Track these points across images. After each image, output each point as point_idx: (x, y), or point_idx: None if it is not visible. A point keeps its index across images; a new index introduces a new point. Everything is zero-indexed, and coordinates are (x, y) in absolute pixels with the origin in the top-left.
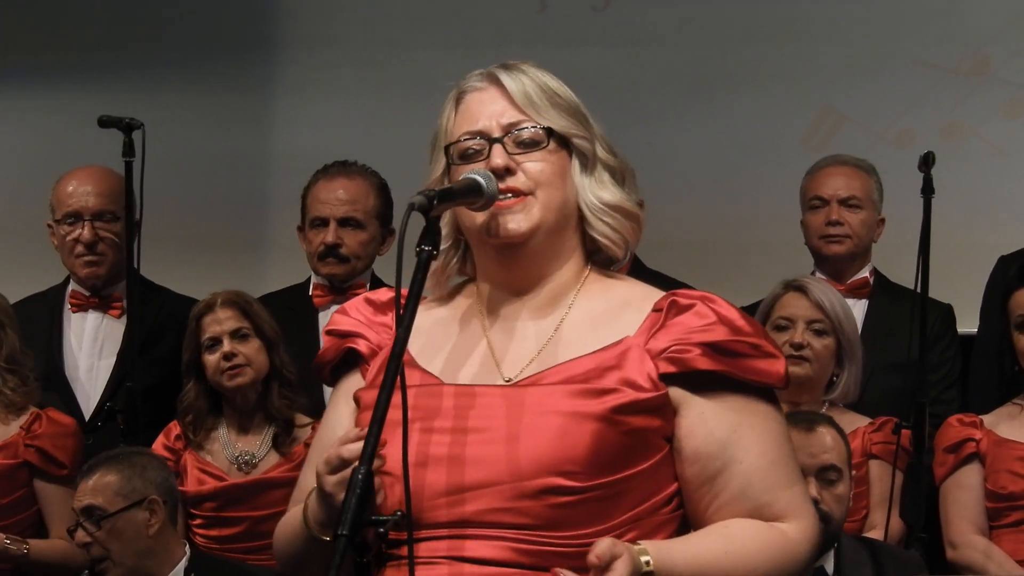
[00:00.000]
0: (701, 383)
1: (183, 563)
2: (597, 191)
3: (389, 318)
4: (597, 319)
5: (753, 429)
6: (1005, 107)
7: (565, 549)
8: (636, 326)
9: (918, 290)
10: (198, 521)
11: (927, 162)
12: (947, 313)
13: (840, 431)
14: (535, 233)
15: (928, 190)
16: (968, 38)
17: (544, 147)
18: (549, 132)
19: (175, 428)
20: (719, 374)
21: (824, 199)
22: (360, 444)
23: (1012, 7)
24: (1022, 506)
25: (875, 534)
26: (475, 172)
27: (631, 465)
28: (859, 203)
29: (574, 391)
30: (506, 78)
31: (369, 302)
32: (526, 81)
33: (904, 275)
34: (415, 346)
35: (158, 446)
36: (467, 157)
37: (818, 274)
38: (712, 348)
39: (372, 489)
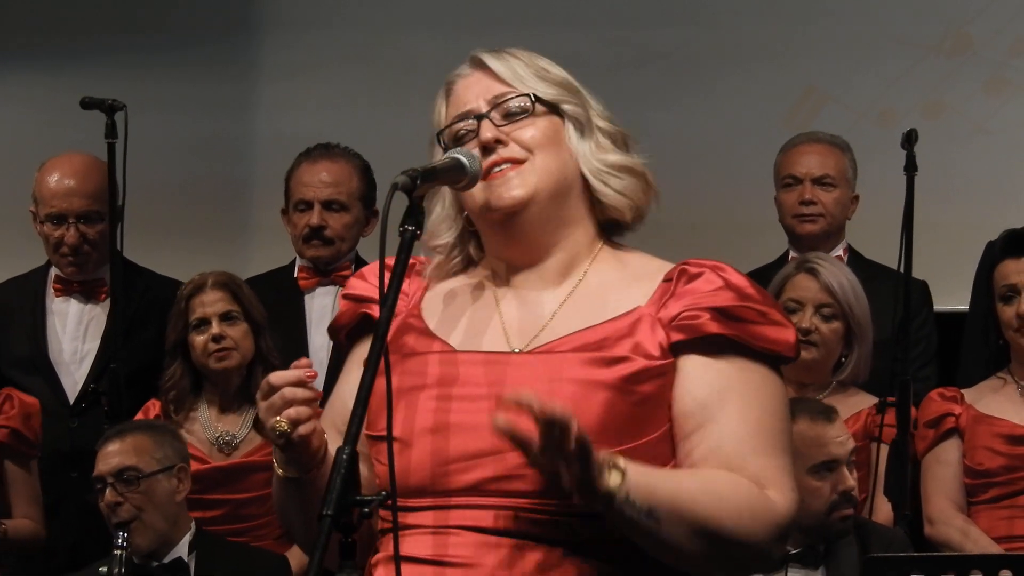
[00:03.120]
0: (704, 346)
1: (188, 537)
2: (600, 154)
3: (407, 284)
4: (609, 290)
5: (741, 395)
6: (987, 85)
7: (573, 518)
8: (647, 296)
9: (901, 268)
10: None
11: (910, 139)
12: (923, 290)
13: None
14: (533, 199)
15: (911, 167)
16: (950, 16)
17: (532, 113)
18: (536, 98)
19: (153, 408)
20: (727, 340)
21: (797, 178)
22: (291, 374)
23: None
24: (1000, 483)
25: (877, 516)
26: (457, 151)
27: (644, 433)
28: (833, 181)
29: (586, 359)
30: (490, 59)
31: (387, 267)
32: (511, 60)
33: (879, 252)
34: (431, 316)
35: None
36: (460, 140)
37: (792, 253)
38: (720, 313)
39: (356, 469)
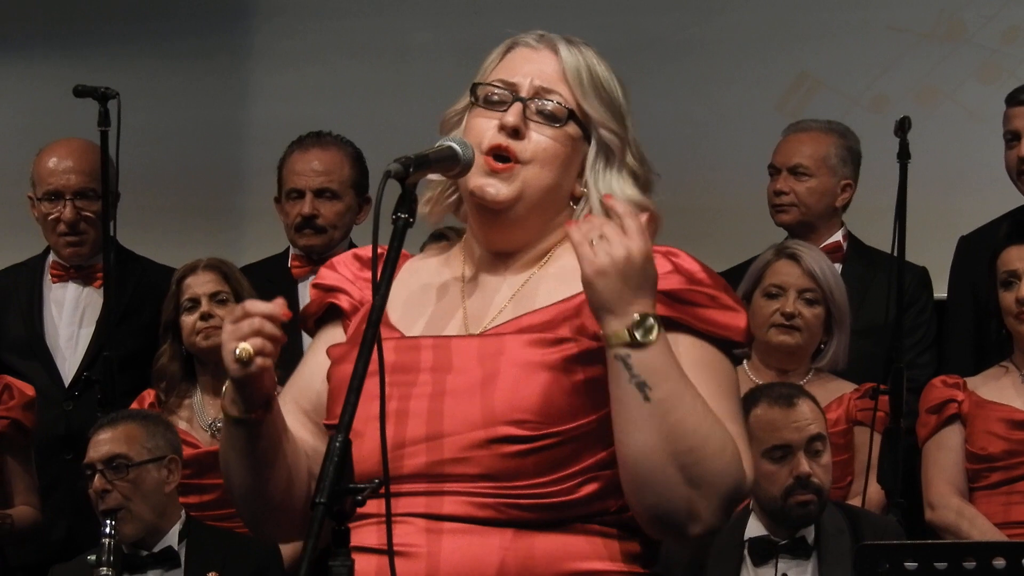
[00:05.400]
0: None
1: (178, 526)
2: (620, 185)
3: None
4: (566, 274)
5: (693, 371)
6: (980, 71)
7: (519, 500)
8: None
9: (895, 254)
10: None
11: (903, 127)
12: (922, 276)
13: (814, 400)
14: (514, 204)
15: (904, 155)
16: (942, 3)
17: (560, 126)
18: (571, 115)
19: (148, 396)
20: (674, 322)
21: (776, 167)
22: (266, 306)
23: None
24: (1002, 467)
25: (859, 501)
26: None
27: (586, 414)
28: (806, 171)
29: (529, 340)
30: (564, 49)
31: (357, 257)
32: (581, 61)
33: (879, 239)
34: (394, 309)
35: None
36: (489, 102)
37: (789, 240)
38: (666, 295)
39: (349, 457)
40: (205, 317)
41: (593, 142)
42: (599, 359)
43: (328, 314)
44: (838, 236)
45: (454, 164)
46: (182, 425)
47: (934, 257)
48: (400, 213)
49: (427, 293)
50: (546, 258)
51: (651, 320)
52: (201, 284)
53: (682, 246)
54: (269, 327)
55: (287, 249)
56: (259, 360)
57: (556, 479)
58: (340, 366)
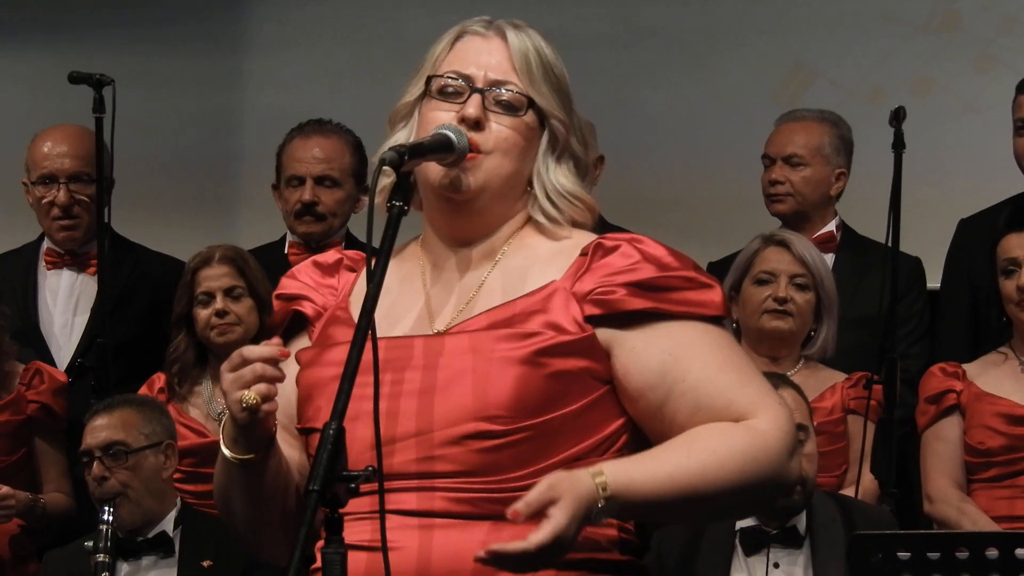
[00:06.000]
0: (631, 321)
1: (173, 513)
2: (558, 176)
3: (336, 280)
4: (528, 267)
5: (691, 347)
6: (975, 62)
7: (498, 495)
8: (563, 271)
9: (888, 244)
10: (177, 475)
11: (898, 117)
12: (915, 267)
13: (799, 390)
14: (479, 195)
15: (899, 145)
16: None
17: (520, 115)
18: (530, 103)
19: (158, 380)
20: (653, 313)
21: (771, 157)
22: (265, 350)
23: None
24: (1000, 462)
25: (853, 490)
26: (446, 127)
27: (558, 407)
28: (801, 160)
29: (498, 336)
30: (512, 36)
31: (316, 265)
32: (530, 46)
33: (873, 229)
34: (356, 306)
35: None
36: (444, 94)
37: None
38: (639, 287)
39: (343, 445)
40: (220, 314)
41: (546, 129)
42: (568, 352)
43: (293, 325)
44: (831, 226)
45: (449, 152)
46: (193, 413)
47: (928, 247)
48: (395, 201)
49: (390, 292)
50: (505, 247)
51: (601, 494)
52: (216, 278)
53: (677, 236)
54: (271, 370)
55: (284, 236)
56: (266, 406)
57: (532, 472)
58: (310, 370)
